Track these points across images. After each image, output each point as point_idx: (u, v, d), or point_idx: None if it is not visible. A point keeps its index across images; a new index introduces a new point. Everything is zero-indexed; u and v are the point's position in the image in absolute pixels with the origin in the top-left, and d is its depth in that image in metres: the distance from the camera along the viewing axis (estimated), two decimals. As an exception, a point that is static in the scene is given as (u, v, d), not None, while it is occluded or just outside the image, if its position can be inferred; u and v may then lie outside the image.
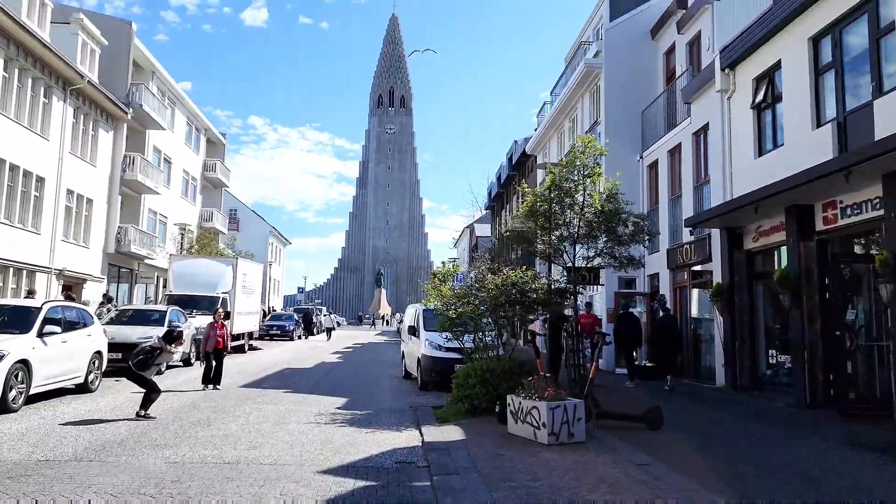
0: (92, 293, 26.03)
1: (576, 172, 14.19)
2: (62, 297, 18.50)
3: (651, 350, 18.59)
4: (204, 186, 42.70)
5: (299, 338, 40.65)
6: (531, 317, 13.48)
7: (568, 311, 14.76)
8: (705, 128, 16.78)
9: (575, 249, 14.10)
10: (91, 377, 13.73)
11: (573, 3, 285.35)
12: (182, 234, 29.26)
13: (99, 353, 14.14)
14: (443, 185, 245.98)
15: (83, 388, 13.50)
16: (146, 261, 31.17)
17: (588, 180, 14.10)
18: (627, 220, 13.95)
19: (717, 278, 15.46)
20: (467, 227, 64.69)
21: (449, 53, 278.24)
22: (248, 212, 65.87)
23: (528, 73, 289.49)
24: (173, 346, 11.00)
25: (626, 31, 21.53)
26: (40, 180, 22.75)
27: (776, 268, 13.83)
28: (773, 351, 13.98)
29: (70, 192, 24.88)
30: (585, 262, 14.10)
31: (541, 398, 9.11)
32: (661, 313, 16.69)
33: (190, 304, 23.16)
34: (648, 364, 18.15)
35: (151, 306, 20.78)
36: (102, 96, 25.99)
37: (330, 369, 20.72)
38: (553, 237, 14.27)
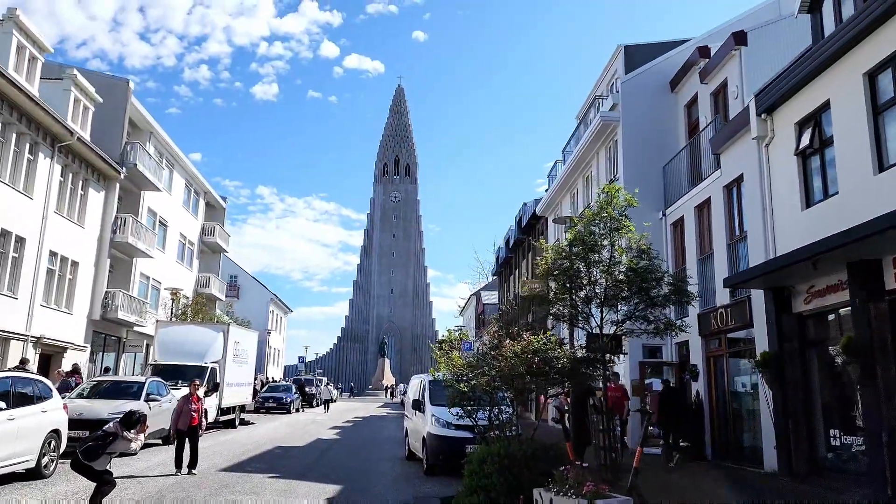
0: (69, 362, 24.18)
1: (602, 225, 12.68)
2: (16, 367, 16.74)
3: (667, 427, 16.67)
4: (202, 251, 41.32)
5: (297, 410, 38.39)
6: (555, 390, 11.68)
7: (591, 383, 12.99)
8: (739, 179, 15.32)
9: (602, 312, 12.45)
10: (45, 460, 11.87)
11: (581, 68, 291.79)
12: (173, 300, 27.61)
13: (56, 431, 12.33)
14: (448, 255, 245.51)
15: (35, 474, 11.60)
16: (135, 328, 29.42)
17: (616, 234, 12.58)
18: (661, 280, 12.33)
19: (762, 346, 13.66)
20: (473, 294, 62.93)
21: (454, 123, 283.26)
22: (248, 279, 64.46)
23: (536, 140, 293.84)
24: (133, 432, 9.17)
25: (643, 83, 20.42)
26: (20, 240, 21.31)
27: (832, 334, 12.09)
28: (835, 431, 12.06)
29: (53, 253, 23.41)
30: (615, 328, 12.42)
31: (579, 495, 7.27)
32: (660, 386, 14.77)
33: (176, 374, 21.33)
34: (683, 444, 16.14)
35: (129, 377, 18.99)
36: (94, 154, 24.86)
37: (326, 449, 18.68)
38: (577, 298, 12.63)
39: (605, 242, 12.49)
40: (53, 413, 12.34)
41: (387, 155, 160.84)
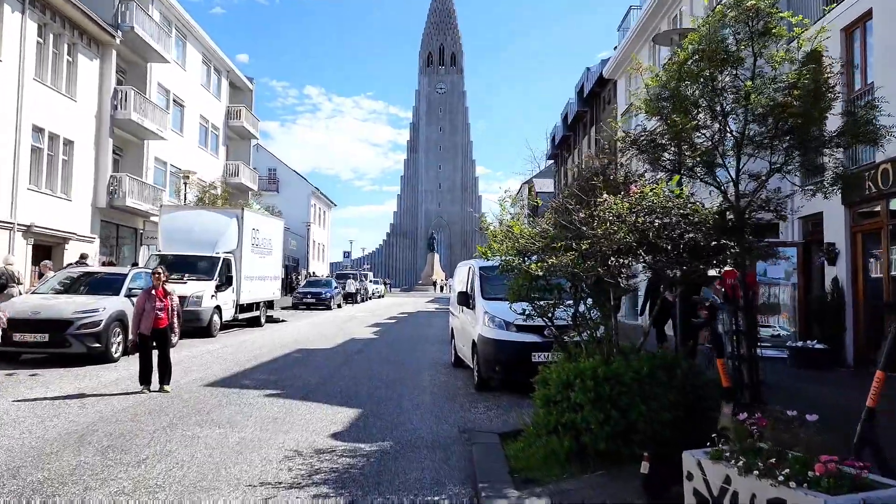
0: (76, 254, 21.35)
1: (739, 28, 8.22)
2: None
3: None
4: (229, 137, 37.80)
5: (338, 306, 35.76)
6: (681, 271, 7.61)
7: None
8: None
9: (739, 160, 8.24)
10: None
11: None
12: (186, 184, 24.29)
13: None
14: (496, 153, 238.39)
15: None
16: (152, 218, 26.40)
17: (765, 40, 8.13)
18: (829, 107, 7.99)
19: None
20: (524, 183, 58.54)
21: (501, 10, 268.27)
22: (288, 172, 61.16)
23: (587, 30, 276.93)
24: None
25: None
26: (-11, 110, 17.94)
27: None
28: None
29: (38, 129, 20.05)
30: (760, 181, 8.26)
31: (799, 478, 3.46)
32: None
33: (182, 266, 18.15)
34: (818, 346, 12.22)
35: (110, 269, 15.89)
36: (78, 13, 20.94)
37: (356, 352, 15.43)
38: (702, 138, 8.43)
39: (746, 53, 8.12)
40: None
41: (431, 43, 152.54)
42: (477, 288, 10.91)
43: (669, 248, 6.34)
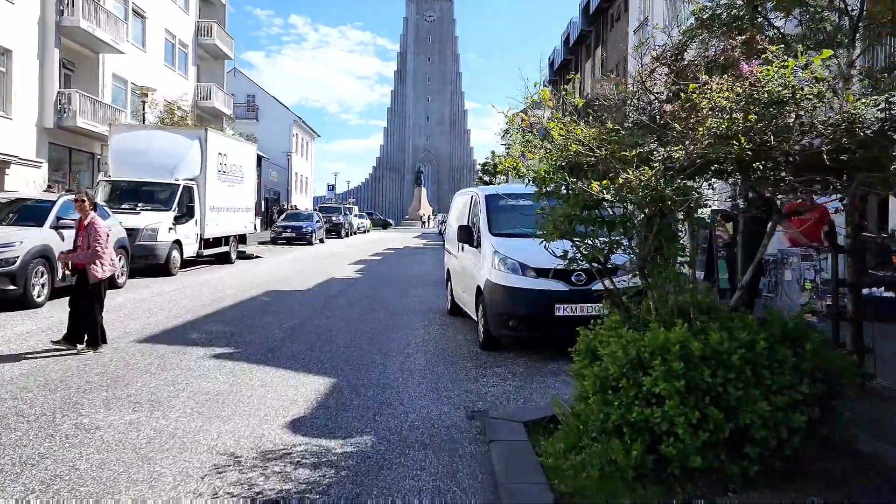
0: (21, 181, 18.88)
1: None
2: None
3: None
4: (200, 57, 34.66)
5: (321, 241, 33.53)
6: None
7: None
8: None
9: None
10: None
11: None
12: (144, 101, 21.55)
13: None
14: (488, 86, 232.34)
15: None
16: (111, 142, 23.76)
17: None
18: None
19: None
20: (520, 111, 55.61)
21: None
22: (269, 99, 57.77)
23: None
24: None
25: None
26: None
27: None
28: None
29: (-36, 32, 17.27)
30: None
31: None
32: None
33: (134, 195, 15.85)
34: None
35: (39, 196, 13.40)
36: None
37: (335, 295, 13.32)
38: None
39: None
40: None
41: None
42: (483, 221, 8.71)
43: (794, 159, 4.16)
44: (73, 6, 20.80)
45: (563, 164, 4.46)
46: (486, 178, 66.46)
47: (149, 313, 10.11)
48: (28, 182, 16.56)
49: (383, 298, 12.76)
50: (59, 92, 20.91)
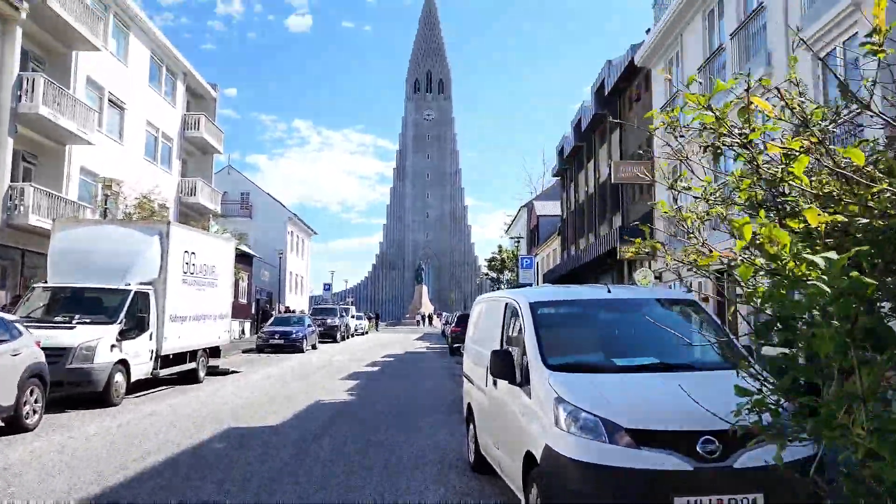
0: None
1: None
2: None
3: None
4: (186, 151, 32.57)
5: (313, 348, 30.26)
6: None
7: None
8: None
9: None
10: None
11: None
12: (107, 195, 18.82)
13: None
14: (486, 183, 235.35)
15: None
16: (74, 242, 20.94)
17: None
18: None
19: None
20: (524, 206, 53.63)
21: (490, 39, 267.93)
22: (263, 196, 55.86)
23: (577, 60, 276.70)
24: None
25: None
26: None
27: None
28: None
29: None
30: None
31: None
32: None
33: (74, 304, 12.89)
34: None
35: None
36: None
37: (315, 435, 10.00)
38: None
39: None
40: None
41: (418, 70, 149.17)
42: (532, 344, 5.62)
43: None
44: (32, 92, 18.51)
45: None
46: (493, 275, 64.25)
47: (24, 488, 6.84)
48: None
49: (380, 440, 9.46)
50: (10, 186, 18.28)
